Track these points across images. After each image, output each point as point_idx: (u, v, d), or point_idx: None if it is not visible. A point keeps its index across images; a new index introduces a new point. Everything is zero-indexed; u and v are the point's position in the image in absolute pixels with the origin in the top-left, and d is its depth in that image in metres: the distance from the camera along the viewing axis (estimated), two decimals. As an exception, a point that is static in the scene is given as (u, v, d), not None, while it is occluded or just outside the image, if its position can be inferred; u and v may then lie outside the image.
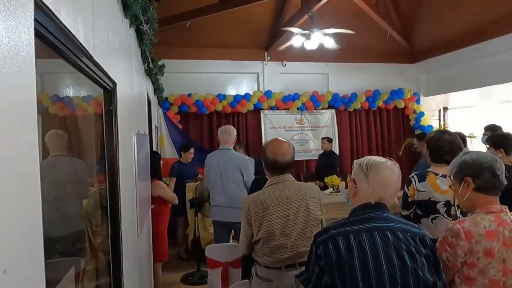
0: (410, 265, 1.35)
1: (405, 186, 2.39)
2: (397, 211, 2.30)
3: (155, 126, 5.63)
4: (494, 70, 5.70)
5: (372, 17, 6.05)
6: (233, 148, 4.02)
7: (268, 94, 6.83)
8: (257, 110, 6.86)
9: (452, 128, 6.48)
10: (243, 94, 6.75)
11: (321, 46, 5.34)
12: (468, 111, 6.73)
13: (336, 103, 7.07)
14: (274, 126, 6.94)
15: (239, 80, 7.04)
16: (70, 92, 1.76)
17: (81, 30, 1.09)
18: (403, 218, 2.24)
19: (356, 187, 1.53)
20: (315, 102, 6.96)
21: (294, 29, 5.19)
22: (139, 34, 2.79)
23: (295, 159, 2.29)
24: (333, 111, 7.17)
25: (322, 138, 6.41)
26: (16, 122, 0.65)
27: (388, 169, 1.49)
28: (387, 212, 1.48)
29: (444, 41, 6.51)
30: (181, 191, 4.67)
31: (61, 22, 0.88)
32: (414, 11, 6.65)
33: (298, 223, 2.06)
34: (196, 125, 6.72)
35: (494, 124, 4.08)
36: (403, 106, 7.29)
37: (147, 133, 3.68)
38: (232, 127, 4.01)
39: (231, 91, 6.90)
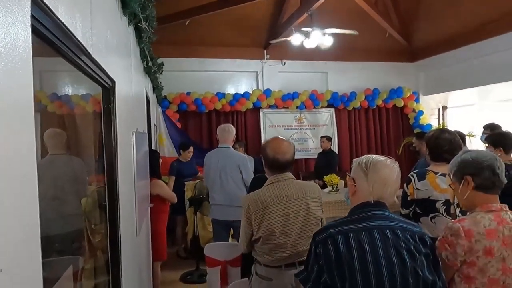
0: (410, 264, 1.35)
1: (405, 184, 2.39)
2: (397, 210, 2.29)
3: (154, 124, 5.62)
4: (493, 69, 5.71)
5: (371, 15, 6.04)
6: (233, 146, 4.01)
7: (267, 92, 6.82)
8: (256, 108, 6.85)
9: (451, 127, 6.49)
10: (242, 93, 6.74)
11: (320, 45, 5.33)
12: (467, 110, 6.74)
13: (335, 101, 7.07)
14: (273, 125, 6.94)
15: (238, 78, 7.04)
16: (68, 90, 1.75)
17: (79, 27, 1.08)
18: (402, 216, 2.24)
19: (355, 185, 1.52)
20: (314, 100, 6.95)
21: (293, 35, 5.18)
22: (138, 32, 2.78)
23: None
24: (332, 109, 7.16)
25: (321, 137, 6.41)
26: (13, 120, 0.64)
27: (388, 167, 1.49)
28: (387, 211, 1.48)
29: (444, 40, 6.51)
30: (180, 189, 4.67)
31: (58, 19, 0.87)
32: (414, 10, 6.64)
33: (298, 222, 2.06)
34: (195, 124, 6.72)
35: (493, 123, 4.08)
36: (402, 105, 7.29)
37: (146, 131, 3.67)
38: (231, 125, 4.00)
39: (230, 90, 6.89)
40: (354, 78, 7.21)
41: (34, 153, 0.73)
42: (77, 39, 1.04)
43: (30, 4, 0.70)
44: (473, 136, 5.83)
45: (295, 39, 5.28)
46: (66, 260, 1.32)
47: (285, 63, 7.03)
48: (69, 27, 0.95)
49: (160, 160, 3.98)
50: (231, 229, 3.87)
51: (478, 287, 1.51)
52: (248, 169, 3.82)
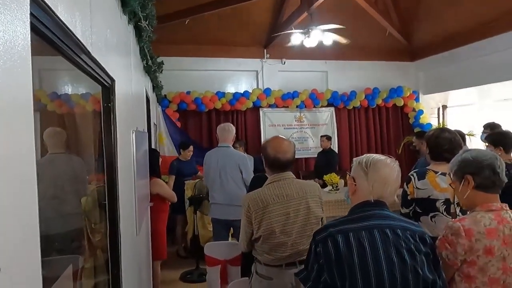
0: (410, 263, 1.35)
1: (405, 184, 2.39)
2: (397, 209, 2.29)
3: (154, 123, 5.62)
4: (493, 69, 5.70)
5: (371, 14, 6.04)
6: (233, 146, 4.01)
7: (267, 92, 6.81)
8: (256, 108, 6.84)
9: (451, 126, 6.48)
10: (242, 92, 6.74)
11: (320, 44, 5.33)
12: (467, 109, 6.74)
13: (335, 101, 7.07)
14: (273, 124, 6.94)
15: (238, 77, 7.03)
16: (68, 89, 1.75)
17: (78, 26, 1.07)
18: (402, 216, 2.24)
19: (355, 185, 1.52)
20: (314, 100, 6.95)
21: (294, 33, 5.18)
22: (138, 31, 2.77)
23: (294, 157, 2.28)
24: (332, 109, 7.16)
25: (321, 136, 6.40)
26: (12, 119, 0.64)
27: (388, 166, 1.49)
28: (387, 210, 1.47)
29: (443, 39, 6.51)
30: (180, 189, 4.67)
31: (58, 17, 0.87)
32: (414, 9, 6.64)
33: (298, 221, 2.06)
34: (195, 123, 6.71)
35: (493, 122, 4.08)
36: (402, 104, 7.29)
37: (146, 130, 3.67)
38: (231, 124, 4.00)
39: (230, 89, 6.89)
40: (354, 77, 7.20)
41: (33, 152, 0.73)
42: (76, 37, 1.03)
43: (29, 2, 0.70)
44: (473, 135, 5.83)
45: (295, 38, 5.28)
46: (66, 259, 1.32)
47: (285, 62, 7.03)
48: (68, 26, 0.95)
49: (160, 159, 3.98)
50: (231, 228, 3.87)
51: (479, 286, 1.51)
52: (248, 168, 3.81)
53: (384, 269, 1.33)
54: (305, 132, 7.10)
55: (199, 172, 5.21)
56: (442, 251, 1.56)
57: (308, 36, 5.14)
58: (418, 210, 2.34)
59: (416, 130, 6.85)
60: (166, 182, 4.35)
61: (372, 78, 7.24)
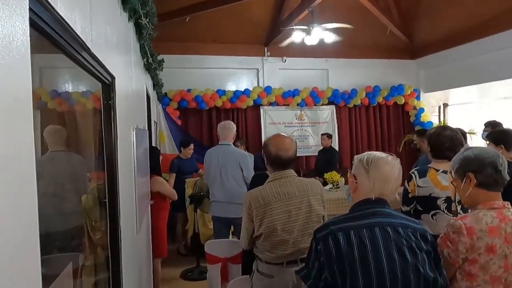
0: (411, 261, 1.34)
1: (406, 181, 2.39)
2: (398, 207, 2.29)
3: (155, 121, 5.62)
4: (494, 67, 5.69)
5: (372, 12, 6.02)
6: (234, 144, 4.01)
7: (268, 90, 6.81)
8: (256, 106, 6.84)
9: (452, 124, 6.46)
10: (242, 90, 6.73)
11: (321, 42, 5.32)
12: (467, 107, 6.73)
13: (336, 99, 7.06)
14: (274, 122, 6.93)
15: (238, 75, 7.02)
16: (69, 87, 1.74)
17: (78, 22, 1.07)
18: (403, 213, 2.24)
19: (356, 182, 1.52)
20: (315, 98, 6.94)
21: (295, 29, 5.16)
22: (138, 28, 2.76)
23: (295, 155, 2.27)
24: (333, 107, 7.15)
25: (322, 134, 6.40)
26: (11, 117, 0.63)
27: (389, 164, 1.48)
28: (388, 208, 1.47)
29: (444, 37, 6.49)
30: (180, 186, 4.67)
31: (57, 13, 0.86)
32: (414, 7, 6.62)
33: (299, 219, 2.05)
34: (196, 121, 6.71)
35: (495, 120, 4.07)
36: (403, 102, 7.28)
37: (146, 128, 3.66)
38: (232, 122, 3.99)
39: (231, 87, 6.88)
40: (355, 75, 7.19)
41: (33, 151, 0.72)
42: (76, 34, 1.03)
43: (28, -2, 0.69)
44: (474, 133, 5.83)
45: (296, 36, 5.27)
46: (66, 257, 1.32)
47: (285, 60, 7.01)
48: (68, 22, 0.94)
49: (161, 157, 3.98)
50: (232, 226, 3.87)
51: (480, 285, 1.51)
52: (249, 166, 3.81)
53: (385, 266, 1.32)
54: (305, 130, 7.09)
55: (199, 170, 5.21)
56: (444, 249, 1.55)
57: (309, 34, 5.13)
58: (419, 208, 2.33)
59: (417, 128, 6.85)
60: (167, 180, 4.35)
61: (373, 76, 7.23)
